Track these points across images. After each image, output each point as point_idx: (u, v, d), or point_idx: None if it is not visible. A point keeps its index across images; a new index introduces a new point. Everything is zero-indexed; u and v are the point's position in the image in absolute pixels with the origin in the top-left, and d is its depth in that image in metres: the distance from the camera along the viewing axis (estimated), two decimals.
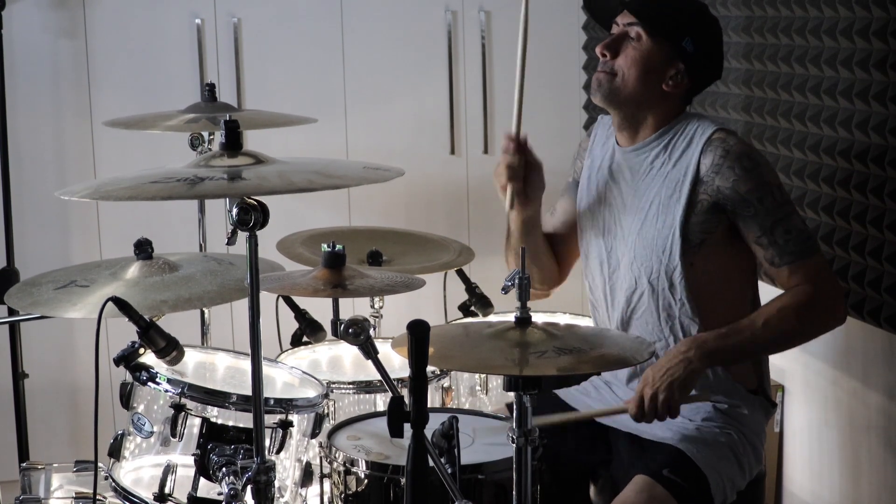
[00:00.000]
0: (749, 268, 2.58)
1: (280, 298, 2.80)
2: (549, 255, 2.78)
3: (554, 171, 2.72)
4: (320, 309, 2.73)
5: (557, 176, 2.83)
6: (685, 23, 2.55)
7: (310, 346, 3.08)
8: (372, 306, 3.33)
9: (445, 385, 3.02)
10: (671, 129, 2.56)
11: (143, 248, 2.62)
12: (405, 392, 1.96)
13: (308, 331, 2.75)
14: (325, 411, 2.66)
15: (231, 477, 2.28)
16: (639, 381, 2.55)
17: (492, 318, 3.22)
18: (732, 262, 2.54)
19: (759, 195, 2.45)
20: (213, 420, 2.41)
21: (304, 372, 2.72)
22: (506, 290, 2.27)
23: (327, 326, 2.62)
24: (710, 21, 2.59)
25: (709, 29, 2.58)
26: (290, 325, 2.81)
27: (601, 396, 2.67)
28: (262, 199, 2.03)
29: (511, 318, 2.19)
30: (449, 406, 2.98)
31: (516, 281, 2.18)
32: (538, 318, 2.23)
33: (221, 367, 2.74)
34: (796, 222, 2.46)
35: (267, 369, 2.65)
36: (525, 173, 2.62)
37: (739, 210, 2.46)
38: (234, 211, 2.02)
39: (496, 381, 3.14)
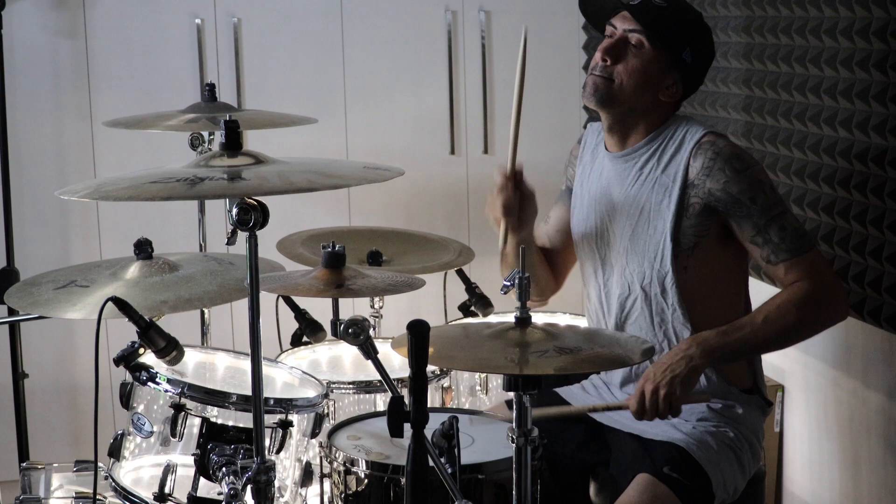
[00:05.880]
0: (740, 271, 2.58)
1: (280, 298, 2.80)
2: (544, 267, 2.77)
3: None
4: (320, 309, 2.73)
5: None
6: (686, 33, 2.53)
7: (310, 346, 3.08)
8: (372, 306, 3.33)
9: (445, 385, 3.02)
10: (660, 134, 2.54)
11: (143, 248, 2.62)
12: (405, 392, 1.96)
13: (308, 331, 2.75)
14: (325, 411, 2.66)
15: (231, 477, 2.28)
16: (633, 384, 2.55)
17: (492, 318, 3.22)
18: (725, 265, 2.54)
19: (751, 195, 2.44)
20: (213, 420, 2.41)
21: (304, 372, 2.72)
22: (505, 290, 2.27)
23: (327, 326, 2.62)
24: (706, 30, 2.57)
25: (705, 38, 2.56)
26: (290, 325, 2.81)
27: (600, 396, 2.67)
28: (262, 199, 2.03)
29: (511, 318, 2.19)
30: (449, 406, 2.98)
31: (516, 281, 2.18)
32: (538, 318, 2.22)
33: (221, 367, 2.74)
34: (790, 220, 2.46)
35: (267, 369, 2.65)
36: (519, 204, 2.58)
37: (732, 211, 2.46)
38: (234, 211, 2.02)
39: (496, 381, 3.14)
